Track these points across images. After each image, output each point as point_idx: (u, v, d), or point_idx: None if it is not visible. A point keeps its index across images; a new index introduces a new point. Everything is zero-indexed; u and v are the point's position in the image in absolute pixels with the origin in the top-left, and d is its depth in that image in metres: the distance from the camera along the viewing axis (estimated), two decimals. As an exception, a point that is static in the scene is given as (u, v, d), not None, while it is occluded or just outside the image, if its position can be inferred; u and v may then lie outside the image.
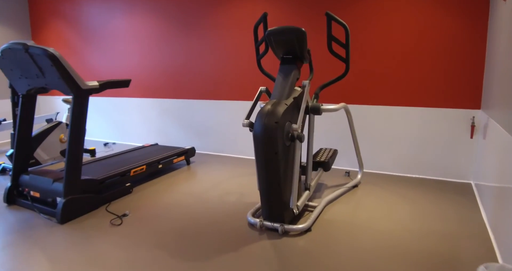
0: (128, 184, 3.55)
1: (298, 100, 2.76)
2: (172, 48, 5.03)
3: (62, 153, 4.72)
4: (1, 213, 3.17)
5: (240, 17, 4.47)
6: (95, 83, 3.08)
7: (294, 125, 2.54)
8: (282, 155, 2.50)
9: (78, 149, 3.00)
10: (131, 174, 3.64)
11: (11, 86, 4.18)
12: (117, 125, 5.88)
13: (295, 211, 2.69)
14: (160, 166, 4.03)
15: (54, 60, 2.74)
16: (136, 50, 5.35)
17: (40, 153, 4.49)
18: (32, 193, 3.21)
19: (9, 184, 3.37)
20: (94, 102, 6.00)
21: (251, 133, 4.69)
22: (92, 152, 5.01)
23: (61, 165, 4.18)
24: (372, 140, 4.05)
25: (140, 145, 5.66)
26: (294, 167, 2.68)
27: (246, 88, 4.61)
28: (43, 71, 2.88)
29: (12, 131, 4.30)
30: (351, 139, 4.13)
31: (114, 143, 5.81)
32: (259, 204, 3.00)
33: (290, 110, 2.62)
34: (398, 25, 3.74)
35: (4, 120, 5.38)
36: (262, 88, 2.96)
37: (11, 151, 4.26)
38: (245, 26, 4.46)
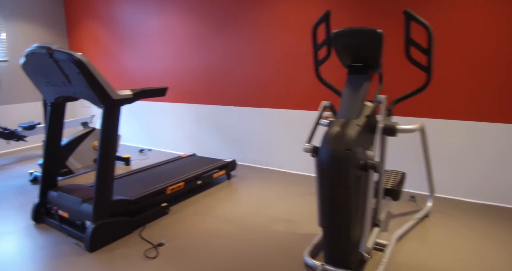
0: (165, 204, 3.18)
1: (370, 119, 2.27)
2: (210, 50, 4.63)
3: (96, 161, 4.43)
4: (29, 233, 2.88)
5: (287, 16, 4.00)
6: (128, 92, 2.71)
7: (370, 153, 2.05)
8: (353, 188, 2.02)
9: (108, 166, 2.65)
10: (168, 192, 3.26)
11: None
12: (151, 131, 5.57)
13: (366, 255, 2.20)
14: (199, 182, 3.63)
15: (81, 67, 2.38)
16: (171, 52, 5.00)
17: (72, 161, 4.22)
18: (60, 212, 2.89)
19: (37, 200, 3.07)
20: (127, 106, 5.72)
21: (297, 146, 4.22)
22: (127, 160, 4.71)
23: (94, 175, 3.87)
24: (440, 159, 3.48)
25: (175, 153, 5.31)
26: (366, 202, 2.19)
27: (295, 96, 4.14)
28: (70, 79, 2.53)
29: (44, 139, 4.04)
30: (413, 156, 3.57)
31: (149, 150, 5.50)
32: (316, 240, 2.53)
33: (362, 132, 2.13)
34: (470, 23, 3.15)
35: (39, 124, 5.18)
36: (325, 103, 2.48)
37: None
38: (294, 26, 3.99)
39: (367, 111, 2.28)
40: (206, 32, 4.63)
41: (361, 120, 2.17)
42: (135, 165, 4.73)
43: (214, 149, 4.91)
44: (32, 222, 3.06)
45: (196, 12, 4.67)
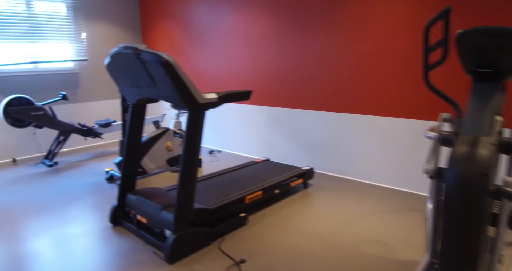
0: (243, 214, 2.97)
1: (501, 136, 1.87)
2: (286, 50, 4.36)
3: (168, 161, 4.37)
4: (106, 236, 2.80)
5: (372, 13, 3.62)
6: (213, 96, 2.52)
7: (509, 179, 1.66)
8: (486, 219, 1.65)
9: (192, 173, 2.48)
10: (246, 201, 3.05)
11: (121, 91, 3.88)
12: (220, 132, 5.43)
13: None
14: (277, 191, 3.39)
15: (169, 68, 2.22)
16: (244, 52, 4.81)
17: (146, 161, 4.17)
18: (138, 217, 2.78)
19: (115, 202, 3.00)
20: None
21: (386, 156, 3.83)
22: (198, 162, 4.58)
23: (167, 175, 3.78)
24: None
25: (246, 156, 5.12)
26: (499, 237, 1.80)
27: (380, 101, 3.76)
28: (155, 81, 2.39)
29: (122, 138, 4.03)
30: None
31: (219, 151, 5.38)
32: (420, 270, 2.16)
33: (496, 153, 1.74)
34: None
35: (114, 122, 5.25)
36: (444, 115, 2.10)
37: (120, 158, 3.99)
38: (381, 23, 3.60)
39: (497, 127, 1.88)
40: (282, 31, 4.37)
41: (494, 138, 1.78)
42: (206, 167, 4.61)
43: (287, 154, 4.65)
44: (110, 225, 3.00)
45: (272, 11, 4.43)
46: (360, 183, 3.97)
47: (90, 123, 5.81)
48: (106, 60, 2.70)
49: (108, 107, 6.08)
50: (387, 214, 3.17)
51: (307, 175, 3.79)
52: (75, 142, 5.71)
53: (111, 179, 4.12)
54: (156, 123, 5.89)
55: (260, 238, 2.75)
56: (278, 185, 3.40)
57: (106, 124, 5.19)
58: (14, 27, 4.91)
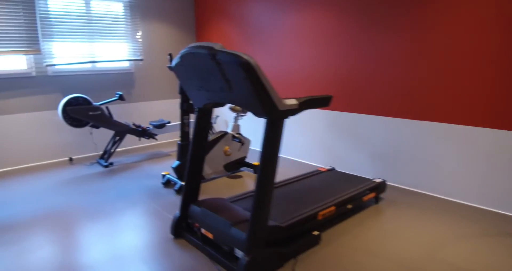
0: (316, 232, 2.67)
1: None
2: (352, 51, 4.01)
3: (226, 167, 4.15)
4: (167, 249, 2.61)
5: (464, 9, 3.19)
6: (293, 102, 2.24)
7: None
8: None
9: (269, 189, 2.21)
10: (319, 217, 2.75)
11: (181, 92, 3.70)
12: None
13: None
14: (350, 206, 3.07)
15: (249, 71, 1.96)
16: (306, 52, 4.50)
17: (204, 166, 3.96)
18: (203, 231, 2.56)
19: (177, 212, 2.80)
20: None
21: (471, 170, 3.39)
22: (256, 168, 4.34)
23: (225, 182, 3.56)
24: None
25: (306, 162, 4.82)
26: None
27: (465, 109, 3.32)
28: (231, 84, 2.14)
29: (179, 142, 3.85)
30: None
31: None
32: None
33: None
34: None
35: (169, 122, 5.11)
36: None
37: (177, 162, 3.82)
38: (467, 21, 3.16)
39: None
40: (347, 30, 4.02)
41: None
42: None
43: (351, 162, 4.30)
44: (171, 236, 2.81)
45: (336, 8, 4.08)
46: (438, 199, 3.55)
47: (144, 123, 5.73)
48: (175, 61, 2.50)
49: (161, 108, 5.98)
50: (484, 239, 2.76)
51: (380, 188, 3.44)
52: (129, 142, 5.65)
53: (168, 183, 3.96)
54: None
55: (338, 262, 2.45)
56: (350, 199, 3.08)
57: (161, 126, 5.07)
58: (73, 27, 4.89)
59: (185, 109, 3.77)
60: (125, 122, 4.89)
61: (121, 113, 5.46)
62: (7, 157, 4.61)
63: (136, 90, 5.64)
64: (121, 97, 4.81)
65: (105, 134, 5.34)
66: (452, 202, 3.48)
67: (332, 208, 2.87)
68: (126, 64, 5.52)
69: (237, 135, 4.17)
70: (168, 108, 6.06)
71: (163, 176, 3.98)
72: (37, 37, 4.62)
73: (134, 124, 4.98)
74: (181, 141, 3.82)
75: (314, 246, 2.65)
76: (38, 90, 4.77)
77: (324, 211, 2.79)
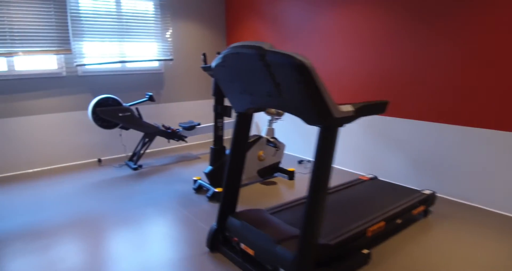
0: (366, 250, 2.43)
1: None
2: (397, 52, 3.72)
3: (259, 172, 3.95)
4: (203, 263, 2.43)
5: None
6: (348, 108, 2.01)
7: None
8: None
9: (320, 202, 1.99)
10: (368, 234, 2.51)
11: (215, 94, 3.52)
12: (309, 139, 4.92)
13: None
14: (399, 221, 2.81)
15: (305, 74, 1.75)
16: (343, 52, 4.24)
17: (237, 172, 3.76)
18: (243, 246, 2.36)
19: (214, 224, 2.62)
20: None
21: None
22: (291, 174, 4.13)
23: (258, 188, 3.37)
24: None
25: (341, 168, 4.56)
26: None
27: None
28: (281, 88, 1.93)
29: (212, 146, 3.67)
30: None
31: (309, 161, 4.87)
32: None
33: None
34: None
35: (199, 124, 4.95)
36: None
37: (210, 168, 3.64)
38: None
39: None
40: (396, 30, 3.74)
41: None
42: (299, 180, 4.13)
43: (394, 171, 4.02)
44: (206, 249, 2.62)
45: (381, 8, 3.81)
46: (494, 214, 3.25)
47: (173, 125, 5.60)
48: (215, 61, 2.31)
49: (190, 109, 5.84)
50: (553, 264, 2.46)
51: (429, 200, 3.16)
52: (158, 143, 5.53)
53: (199, 189, 3.79)
54: (239, 127, 5.53)
55: (393, 286, 2.20)
56: (400, 213, 2.82)
57: (190, 127, 4.92)
58: (103, 26, 4.79)
59: (219, 112, 3.59)
60: (155, 124, 4.76)
61: (150, 114, 5.34)
62: (37, 158, 4.55)
63: (165, 91, 5.51)
64: (151, 98, 4.68)
65: (134, 136, 5.23)
66: (510, 218, 3.17)
67: (382, 224, 2.62)
68: (155, 64, 5.40)
69: (272, 139, 3.96)
70: (197, 110, 5.91)
71: (195, 181, 3.82)
72: (68, 36, 4.53)
73: (163, 126, 4.85)
74: (214, 145, 3.64)
75: (363, 265, 2.42)
76: (67, 90, 4.69)
77: (374, 227, 2.54)
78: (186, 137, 4.99)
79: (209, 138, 6.12)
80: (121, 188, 3.87)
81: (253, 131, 5.86)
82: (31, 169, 4.55)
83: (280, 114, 4.04)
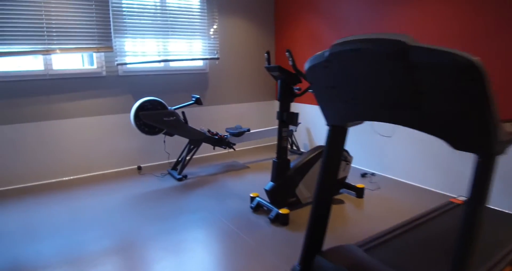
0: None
1: None
2: (493, 52, 3.10)
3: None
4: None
5: None
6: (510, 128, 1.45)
7: None
8: None
9: (472, 249, 1.43)
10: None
11: (281, 99, 3.01)
12: (371, 148, 4.33)
13: None
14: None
15: (475, 80, 1.20)
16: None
17: (301, 189, 3.26)
18: (339, 297, 1.83)
19: (296, 265, 2.10)
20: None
21: None
22: (359, 192, 3.57)
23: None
24: None
25: (414, 184, 3.96)
26: None
27: None
28: (425, 98, 1.38)
29: (275, 159, 3.16)
30: None
31: (373, 174, 4.29)
32: None
33: None
34: None
35: (248, 130, 4.46)
36: None
37: (272, 184, 3.13)
38: None
39: None
40: (477, 28, 3.11)
41: None
42: (367, 197, 3.57)
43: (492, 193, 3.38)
44: (285, 293, 2.10)
45: (467, 3, 3.19)
46: None
47: (217, 130, 5.13)
48: (311, 62, 1.78)
49: (236, 112, 5.36)
50: None
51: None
52: (200, 149, 5.06)
53: (258, 208, 3.29)
54: (290, 133, 5.01)
55: None
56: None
57: (239, 134, 4.43)
58: (146, 22, 4.36)
59: (285, 120, 3.07)
60: (201, 129, 4.30)
61: (192, 118, 4.89)
62: (72, 164, 4.17)
63: (209, 92, 5.05)
64: (197, 101, 4.22)
65: (176, 142, 4.80)
66: None
67: (508, 270, 2.04)
68: (200, 63, 4.94)
69: (341, 151, 3.41)
70: (244, 113, 5.42)
71: (252, 198, 3.32)
72: (110, 33, 4.13)
73: (209, 131, 4.38)
74: (278, 158, 3.12)
75: None
76: (107, 91, 4.29)
77: (500, 275, 1.96)
78: (234, 144, 4.51)
79: (254, 144, 5.63)
80: (166, 204, 3.42)
81: (302, 138, 5.32)
82: (67, 177, 4.17)
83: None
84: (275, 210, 3.03)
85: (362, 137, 4.41)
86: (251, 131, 4.67)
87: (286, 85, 3.02)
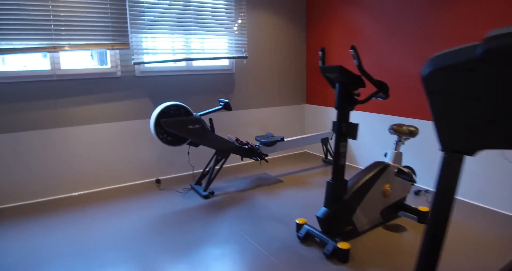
0: None
1: None
2: None
3: (383, 213, 2.85)
4: None
5: None
6: None
7: None
8: None
9: None
10: None
11: (341, 107, 2.45)
12: (431, 162, 3.75)
13: None
14: None
15: None
16: None
17: (359, 215, 2.70)
18: None
19: None
20: (380, 120, 4.02)
21: None
22: (423, 216, 2.99)
23: (380, 235, 2.27)
24: None
25: (485, 207, 3.37)
26: None
27: None
28: None
29: (330, 180, 2.59)
30: None
31: (426, 191, 3.72)
32: None
33: None
34: None
35: (282, 139, 3.89)
36: None
37: (325, 210, 2.57)
38: None
39: None
40: None
41: None
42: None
43: None
44: None
45: None
46: None
47: (244, 138, 4.58)
48: (450, 60, 1.20)
49: (264, 117, 4.80)
50: None
51: None
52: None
53: (307, 237, 2.72)
54: (325, 141, 4.45)
55: None
56: None
57: (273, 143, 3.87)
58: (167, 16, 3.81)
59: (344, 132, 2.51)
60: (229, 138, 3.75)
61: (215, 123, 4.34)
62: (83, 177, 3.65)
63: (236, 95, 4.50)
64: (226, 106, 3.68)
65: (199, 152, 4.25)
66: None
67: None
68: (225, 63, 4.39)
69: (405, 170, 2.84)
70: (269, 118, 4.87)
71: (299, 225, 2.76)
72: (126, 28, 3.59)
73: (238, 140, 3.82)
74: (333, 178, 2.56)
75: None
76: (122, 94, 3.76)
77: None
78: (266, 155, 3.95)
79: (281, 152, 5.07)
80: (192, 229, 2.87)
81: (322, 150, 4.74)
82: (76, 192, 3.65)
83: (413, 134, 2.92)
84: (331, 243, 2.47)
85: (416, 149, 3.83)
86: (287, 139, 4.11)
87: (347, 90, 2.46)
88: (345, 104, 2.48)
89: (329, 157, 4.72)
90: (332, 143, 4.80)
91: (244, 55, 4.35)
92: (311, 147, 5.18)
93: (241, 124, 4.58)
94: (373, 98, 2.57)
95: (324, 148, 4.62)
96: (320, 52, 2.61)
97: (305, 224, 2.74)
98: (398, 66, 3.85)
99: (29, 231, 2.85)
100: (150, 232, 2.84)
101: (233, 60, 4.37)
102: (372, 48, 4.08)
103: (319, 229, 2.64)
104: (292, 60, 4.90)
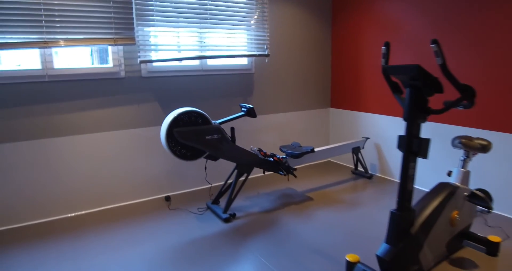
0: None
1: None
2: None
3: (449, 245, 2.32)
4: None
5: None
6: None
7: None
8: None
9: None
10: None
11: (410, 118, 1.90)
12: (485, 177, 3.23)
13: None
14: None
15: None
16: None
17: (426, 251, 2.17)
18: None
19: None
20: (431, 129, 3.49)
21: None
22: (493, 247, 2.46)
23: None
24: None
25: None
26: None
27: None
28: None
29: (395, 210, 2.05)
30: None
31: (483, 211, 3.19)
32: None
33: None
34: None
35: (312, 150, 3.35)
36: None
37: (387, 247, 2.03)
38: None
39: None
40: None
41: None
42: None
43: None
44: None
45: None
46: None
47: (257, 145, 4.03)
48: None
49: (288, 124, 4.27)
50: None
51: None
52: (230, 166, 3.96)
53: (350, 269, 2.18)
54: (357, 150, 3.92)
55: None
56: None
57: (300, 155, 3.33)
58: (178, 7, 3.27)
59: (415, 150, 1.96)
60: (252, 149, 3.21)
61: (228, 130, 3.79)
62: (81, 196, 3.11)
63: (255, 98, 3.96)
64: (250, 113, 3.14)
65: (215, 164, 3.71)
66: None
67: None
68: (244, 61, 3.85)
69: (480, 194, 2.31)
70: (289, 123, 4.33)
71: (350, 264, 2.22)
72: (131, 20, 3.04)
73: (260, 151, 3.28)
74: (399, 208, 2.02)
75: None
76: (126, 98, 3.21)
77: None
78: (295, 169, 3.41)
79: (307, 162, 4.53)
80: (214, 266, 2.33)
81: (369, 157, 4.20)
82: (73, 213, 3.11)
83: (486, 149, 2.38)
84: (398, 292, 1.93)
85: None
86: (317, 149, 3.58)
87: (421, 97, 1.92)
88: (417, 115, 1.94)
89: (360, 168, 4.20)
90: (364, 152, 4.26)
91: (266, 53, 3.80)
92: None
93: (258, 130, 4.04)
94: (460, 108, 2.02)
95: (355, 157, 4.09)
96: (383, 47, 2.06)
97: (359, 262, 2.20)
98: (452, 67, 3.31)
99: (11, 265, 2.30)
100: (162, 267, 2.29)
101: (252, 58, 3.83)
102: (414, 46, 3.54)
103: (378, 269, 2.10)
104: (315, 58, 4.36)
